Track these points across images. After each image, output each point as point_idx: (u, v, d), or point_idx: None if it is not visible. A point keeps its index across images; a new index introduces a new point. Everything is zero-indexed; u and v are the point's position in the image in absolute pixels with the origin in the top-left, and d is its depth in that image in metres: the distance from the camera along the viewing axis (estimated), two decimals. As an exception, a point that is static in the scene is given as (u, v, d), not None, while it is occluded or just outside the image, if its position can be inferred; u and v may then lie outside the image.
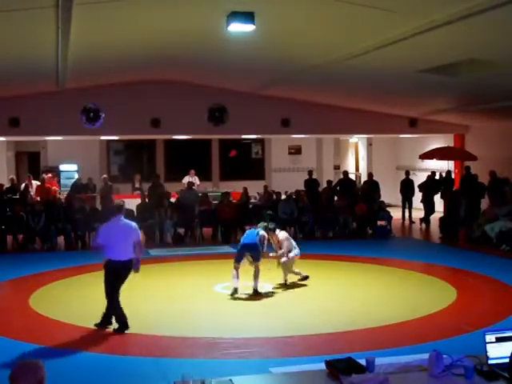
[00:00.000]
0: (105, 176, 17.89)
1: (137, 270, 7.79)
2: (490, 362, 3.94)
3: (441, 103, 16.12)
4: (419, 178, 18.52)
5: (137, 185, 18.75)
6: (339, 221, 15.64)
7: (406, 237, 16.34)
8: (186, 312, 8.62)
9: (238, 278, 9.26)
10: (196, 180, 18.56)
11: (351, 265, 11.83)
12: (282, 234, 10.03)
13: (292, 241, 10.09)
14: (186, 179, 18.30)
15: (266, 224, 9.80)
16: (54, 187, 17.97)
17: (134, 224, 7.93)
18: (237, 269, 9.25)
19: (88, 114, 13.08)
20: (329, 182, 17.69)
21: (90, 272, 11.34)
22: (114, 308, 7.65)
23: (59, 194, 17.49)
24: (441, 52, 9.84)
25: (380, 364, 4.05)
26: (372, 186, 17.42)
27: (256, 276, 9.34)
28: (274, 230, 9.93)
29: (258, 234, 9.46)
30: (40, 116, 15.25)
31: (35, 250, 13.98)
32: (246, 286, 9.45)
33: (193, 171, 18.77)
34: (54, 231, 14.13)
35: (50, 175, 18.56)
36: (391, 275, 11.04)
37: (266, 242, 9.51)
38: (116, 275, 7.66)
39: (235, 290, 9.23)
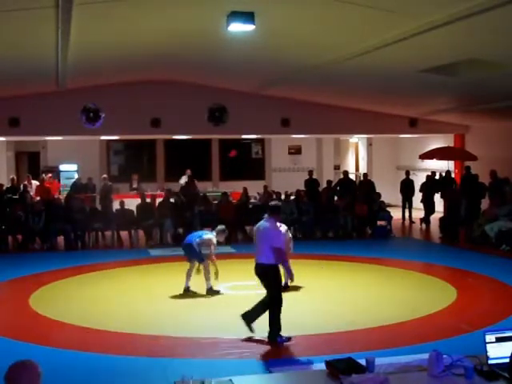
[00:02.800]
0: (105, 176, 17.91)
1: (291, 280, 7.47)
2: (490, 362, 3.94)
3: (441, 103, 16.12)
4: (419, 178, 18.52)
5: (134, 185, 18.80)
6: (339, 221, 15.64)
7: (406, 237, 16.34)
8: (186, 312, 8.62)
9: (188, 277, 9.43)
10: (193, 179, 18.58)
11: (351, 265, 11.83)
12: (283, 227, 9.82)
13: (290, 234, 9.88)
14: (183, 179, 18.34)
15: (220, 228, 9.66)
16: (56, 186, 18.05)
17: (274, 228, 7.23)
18: (190, 268, 9.47)
19: (88, 114, 13.08)
20: (329, 182, 17.69)
21: (90, 272, 11.37)
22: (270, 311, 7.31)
23: (59, 193, 17.49)
24: (441, 52, 9.84)
25: (380, 364, 4.05)
26: (368, 186, 17.41)
27: (205, 277, 9.37)
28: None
29: (200, 236, 9.44)
30: (40, 116, 15.25)
31: (35, 249, 13.99)
32: (247, 286, 9.45)
33: (189, 171, 18.78)
34: (53, 231, 14.14)
35: (50, 175, 18.59)
36: (391, 275, 11.04)
37: (212, 247, 9.33)
38: (260, 279, 7.36)
39: (187, 289, 9.41)
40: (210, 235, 9.54)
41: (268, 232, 7.21)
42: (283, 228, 9.71)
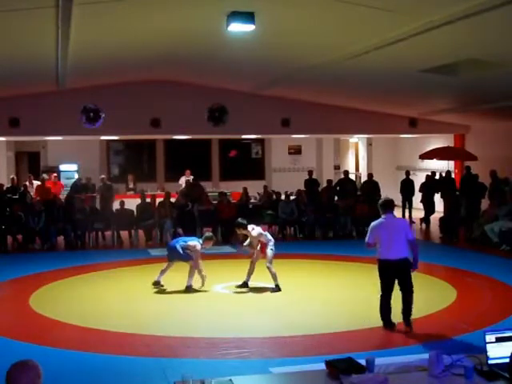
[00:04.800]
0: (103, 176, 17.89)
1: (415, 269, 7.47)
2: (490, 362, 3.94)
3: (441, 103, 16.12)
4: (419, 178, 18.51)
5: (130, 185, 18.82)
6: (339, 221, 15.64)
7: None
8: (186, 312, 8.62)
9: (162, 273, 9.70)
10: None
11: (351, 265, 11.82)
12: (255, 230, 9.66)
13: (268, 235, 9.77)
14: (183, 179, 18.37)
15: (208, 235, 9.84)
16: (59, 186, 18.07)
17: (407, 221, 7.62)
18: (167, 267, 9.75)
19: (88, 114, 13.10)
20: (329, 182, 17.66)
21: (90, 272, 11.37)
22: (381, 305, 7.46)
23: (61, 194, 17.47)
24: (441, 52, 9.84)
25: (380, 364, 4.05)
26: (371, 185, 17.42)
27: (189, 273, 9.55)
28: (243, 226, 9.68)
29: (185, 241, 9.65)
30: (40, 116, 15.25)
31: (35, 249, 13.98)
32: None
33: (188, 171, 18.78)
34: (53, 231, 14.14)
35: (55, 175, 18.60)
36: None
37: (195, 252, 9.48)
38: (397, 273, 7.40)
39: (156, 283, 9.68)
40: (195, 241, 9.63)
41: (403, 226, 7.52)
42: (256, 231, 9.67)
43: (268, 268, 9.49)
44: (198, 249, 9.50)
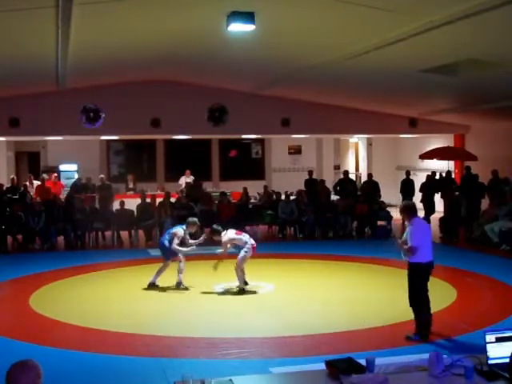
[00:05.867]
0: (102, 176, 17.89)
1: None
2: (490, 362, 3.94)
3: (441, 103, 16.12)
4: (419, 178, 18.50)
5: (130, 185, 18.83)
6: (339, 221, 15.64)
7: (406, 237, 16.29)
8: (186, 312, 8.63)
9: (158, 274, 9.81)
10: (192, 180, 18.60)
11: (351, 265, 11.83)
12: (226, 235, 9.60)
13: (243, 238, 9.60)
14: (183, 180, 18.37)
15: (191, 220, 9.92)
16: (60, 186, 18.07)
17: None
18: (163, 266, 9.86)
19: (88, 114, 13.09)
20: (321, 182, 17.63)
21: (90, 272, 11.38)
22: (421, 312, 7.34)
23: (62, 194, 17.46)
24: (441, 52, 9.84)
25: (380, 364, 4.05)
26: (371, 185, 17.42)
27: (178, 271, 9.69)
28: (217, 232, 9.69)
29: (169, 232, 9.83)
30: (40, 116, 15.25)
31: (35, 249, 13.98)
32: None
33: (188, 171, 18.80)
34: (54, 231, 14.14)
35: (55, 175, 18.59)
36: (391, 275, 11.01)
37: (177, 237, 9.61)
38: (426, 277, 7.51)
39: (151, 284, 9.80)
40: (177, 228, 9.79)
41: (430, 228, 7.80)
42: (227, 236, 9.61)
43: (235, 269, 9.48)
44: (180, 234, 9.66)
